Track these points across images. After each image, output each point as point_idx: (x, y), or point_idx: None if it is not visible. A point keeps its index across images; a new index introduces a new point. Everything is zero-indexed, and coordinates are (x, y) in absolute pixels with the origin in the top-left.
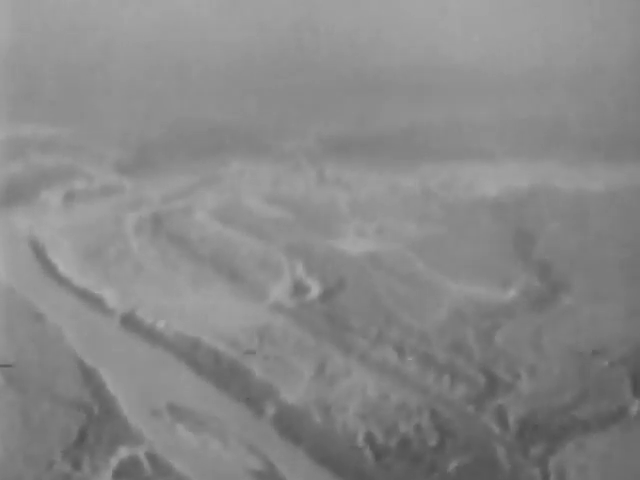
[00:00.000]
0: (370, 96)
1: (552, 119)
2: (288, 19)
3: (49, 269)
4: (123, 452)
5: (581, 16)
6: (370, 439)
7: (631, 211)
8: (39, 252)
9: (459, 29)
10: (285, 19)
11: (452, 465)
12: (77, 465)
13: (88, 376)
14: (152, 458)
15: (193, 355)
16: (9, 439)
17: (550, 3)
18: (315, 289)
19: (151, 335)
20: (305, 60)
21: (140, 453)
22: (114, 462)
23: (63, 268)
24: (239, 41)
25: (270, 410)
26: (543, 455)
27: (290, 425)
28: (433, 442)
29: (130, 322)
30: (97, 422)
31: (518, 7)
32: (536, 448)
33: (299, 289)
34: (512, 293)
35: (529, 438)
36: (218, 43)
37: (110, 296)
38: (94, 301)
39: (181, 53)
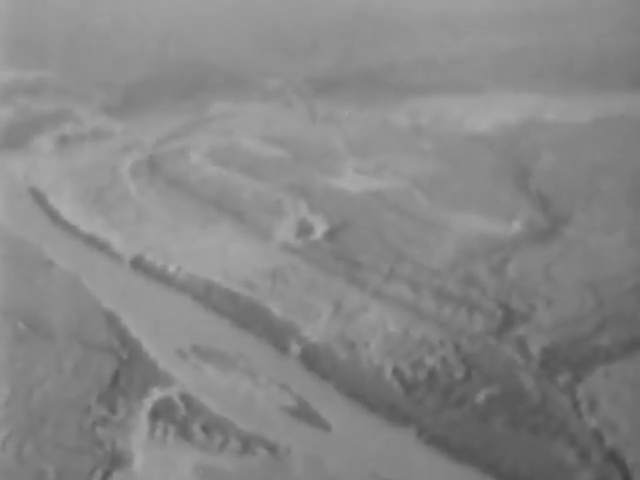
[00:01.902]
0: (353, 35)
1: (535, 51)
2: None
3: (52, 215)
4: (156, 393)
5: None
6: (398, 373)
7: (620, 140)
8: (40, 199)
9: None
10: None
11: (481, 396)
12: (113, 408)
13: (110, 321)
14: (186, 398)
15: (209, 297)
16: (46, 385)
17: None
18: (320, 228)
19: (163, 278)
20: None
21: (173, 394)
22: (148, 404)
23: (66, 214)
24: None
25: (295, 348)
26: (570, 384)
27: (317, 362)
28: (460, 374)
29: (140, 266)
30: (127, 366)
31: None
32: (563, 377)
33: (304, 228)
34: (516, 227)
35: (554, 367)
36: None
37: (116, 241)
38: (101, 246)
39: None
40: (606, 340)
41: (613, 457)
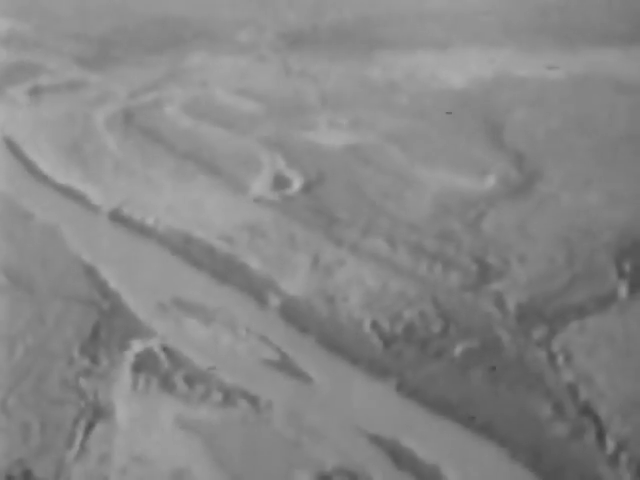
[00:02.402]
0: None
1: (507, 7)
2: None
3: (28, 167)
4: (137, 346)
5: None
6: (376, 327)
7: (593, 97)
8: (16, 150)
9: None
10: None
11: (458, 350)
12: (95, 360)
13: (90, 273)
14: (167, 350)
15: (188, 250)
16: (28, 338)
17: None
18: (297, 182)
19: (142, 231)
20: None
21: (154, 346)
22: (130, 355)
23: (43, 165)
24: None
25: (274, 301)
26: (546, 338)
27: (296, 315)
28: (437, 328)
29: (119, 218)
30: (108, 318)
31: None
32: (538, 331)
33: (280, 182)
34: (491, 182)
35: (529, 322)
36: None
37: (94, 193)
38: (78, 198)
39: None
40: (579, 296)
41: (587, 410)
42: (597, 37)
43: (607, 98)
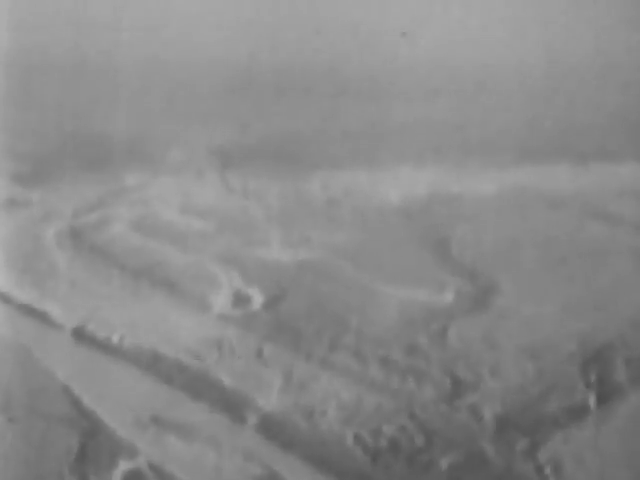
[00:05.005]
0: (248, 103)
1: (432, 125)
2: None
3: None
4: (124, 465)
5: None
6: (359, 441)
7: (524, 212)
8: None
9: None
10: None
11: (444, 464)
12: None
13: (66, 392)
14: (154, 469)
15: (157, 367)
16: (15, 459)
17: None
18: (257, 298)
19: (108, 349)
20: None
21: (141, 464)
22: (118, 475)
23: (1, 284)
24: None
25: (252, 418)
26: (529, 449)
27: (276, 431)
28: (420, 442)
29: (83, 336)
30: (90, 437)
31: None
32: (520, 443)
33: (240, 299)
34: (449, 296)
35: (510, 435)
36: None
37: (54, 311)
38: (40, 317)
39: (62, 59)
40: (552, 407)
41: None
42: (518, 155)
43: (539, 214)
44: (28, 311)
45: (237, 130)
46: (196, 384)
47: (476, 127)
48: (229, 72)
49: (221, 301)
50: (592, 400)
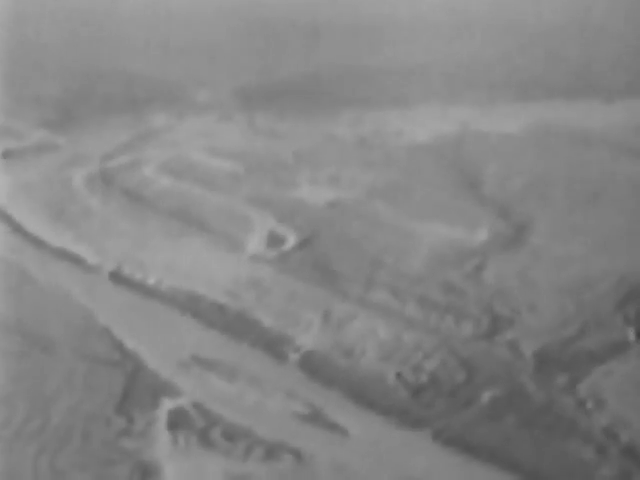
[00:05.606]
0: (270, 46)
1: (462, 62)
2: None
3: (18, 230)
4: (167, 404)
5: None
6: (401, 378)
7: (554, 151)
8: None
9: None
10: None
11: (485, 398)
12: (131, 420)
13: (107, 334)
14: (198, 407)
15: (195, 308)
16: (62, 400)
17: None
18: (291, 239)
19: (145, 291)
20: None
21: (184, 404)
22: (162, 414)
23: (32, 229)
24: None
25: (293, 357)
26: (569, 384)
27: (317, 369)
28: (461, 377)
29: (119, 279)
30: (133, 377)
31: None
32: (561, 378)
33: (274, 240)
34: (482, 235)
35: (549, 369)
36: None
37: (89, 254)
38: (75, 260)
39: (92, 4)
40: (591, 342)
41: (630, 452)
42: (544, 91)
43: (568, 151)
44: (63, 254)
45: (261, 71)
46: (235, 324)
47: (502, 64)
48: (251, 13)
49: (255, 242)
50: (631, 335)
